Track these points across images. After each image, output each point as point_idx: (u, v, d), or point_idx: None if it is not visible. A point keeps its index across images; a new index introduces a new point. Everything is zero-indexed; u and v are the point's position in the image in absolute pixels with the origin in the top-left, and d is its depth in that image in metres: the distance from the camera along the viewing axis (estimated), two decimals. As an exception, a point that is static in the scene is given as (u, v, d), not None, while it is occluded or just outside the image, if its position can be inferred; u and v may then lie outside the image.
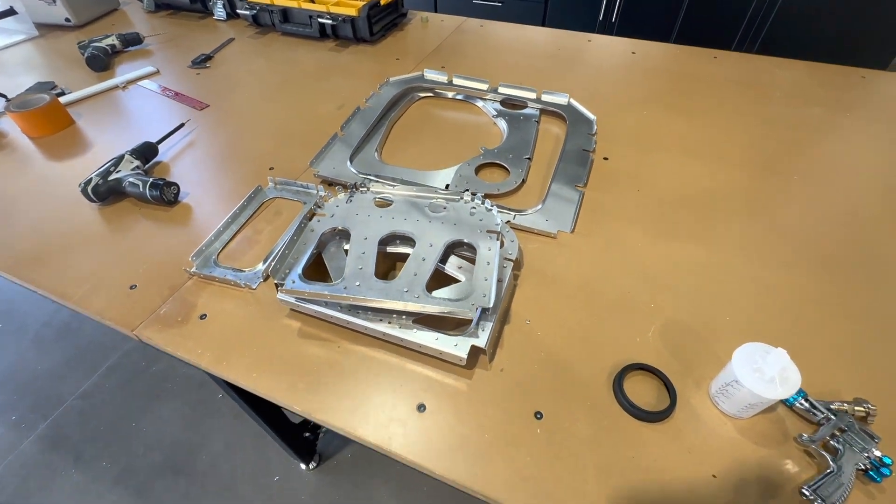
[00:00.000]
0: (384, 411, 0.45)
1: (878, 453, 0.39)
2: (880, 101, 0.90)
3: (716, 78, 0.97)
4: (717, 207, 0.67)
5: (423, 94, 0.93)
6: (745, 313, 0.53)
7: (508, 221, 0.63)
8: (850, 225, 0.64)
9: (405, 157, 0.77)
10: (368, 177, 0.70)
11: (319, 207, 0.62)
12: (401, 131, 0.84)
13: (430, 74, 0.94)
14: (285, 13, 1.13)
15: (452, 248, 0.57)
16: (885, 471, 0.38)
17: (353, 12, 1.06)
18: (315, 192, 0.69)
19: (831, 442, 0.40)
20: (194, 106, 0.91)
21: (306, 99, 0.92)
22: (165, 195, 0.67)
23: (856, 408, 0.43)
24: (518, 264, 0.58)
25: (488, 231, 0.57)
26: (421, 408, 0.46)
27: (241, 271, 0.58)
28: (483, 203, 0.61)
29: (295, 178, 0.72)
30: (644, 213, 0.66)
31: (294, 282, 0.52)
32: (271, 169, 0.75)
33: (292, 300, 0.52)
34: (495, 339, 0.50)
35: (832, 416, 0.42)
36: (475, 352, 0.48)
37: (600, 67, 1.02)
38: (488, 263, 0.53)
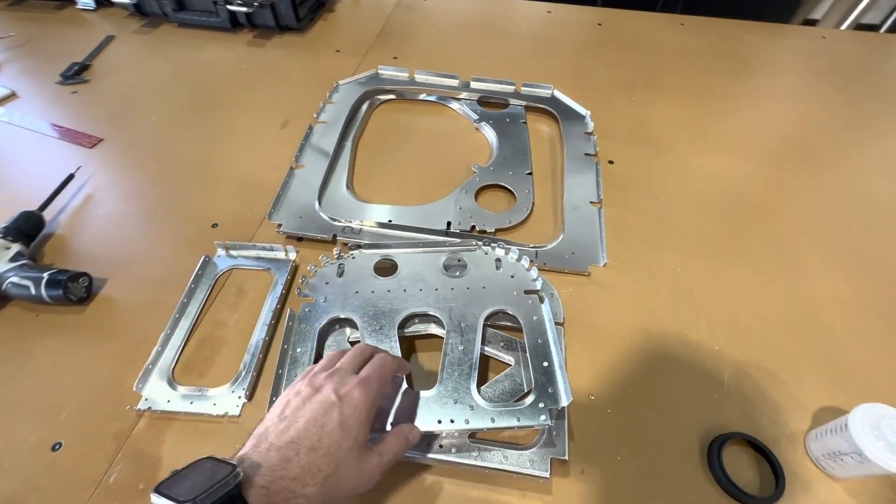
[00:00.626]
0: (460, 568, 0.36)
1: None
2: (853, 65, 0.89)
3: (691, 49, 0.91)
4: (744, 211, 0.61)
5: (383, 98, 0.77)
6: (809, 339, 0.49)
7: (532, 261, 0.53)
8: (883, 218, 0.62)
9: (385, 189, 0.63)
10: (349, 225, 0.56)
11: (305, 289, 0.48)
12: (369, 152, 0.69)
13: (387, 72, 0.78)
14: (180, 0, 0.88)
15: (487, 320, 0.46)
16: None
17: (271, -5, 0.85)
18: (284, 254, 0.54)
19: (953, 498, 0.37)
20: (82, 142, 0.68)
21: (236, 117, 0.73)
22: (72, 293, 0.48)
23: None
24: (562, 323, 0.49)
25: (526, 292, 0.47)
26: (504, 552, 0.36)
27: (214, 394, 0.43)
28: (507, 253, 0.50)
29: (251, 238, 0.56)
30: (671, 229, 0.59)
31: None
32: (215, 227, 0.57)
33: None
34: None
35: (941, 463, 0.38)
36: (552, 461, 0.39)
37: (571, 45, 0.92)
38: (540, 341, 0.43)
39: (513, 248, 0.51)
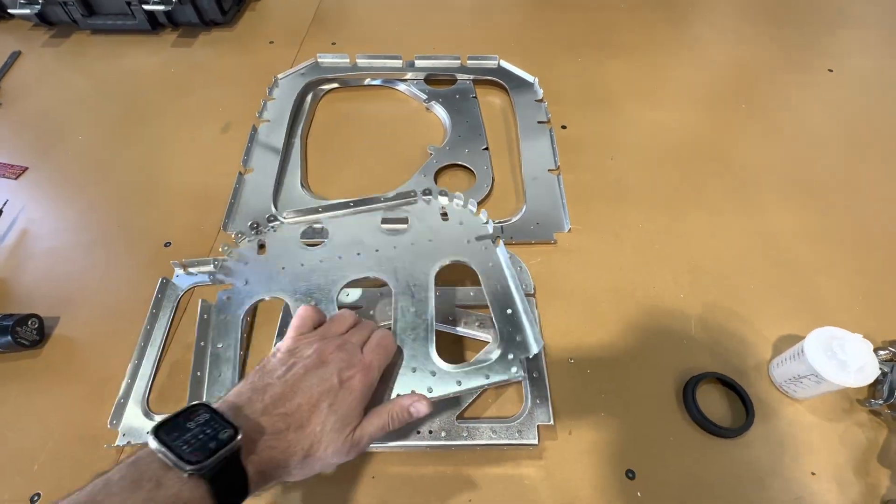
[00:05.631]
0: (465, 543, 0.37)
1: (937, 398, 0.41)
2: (781, 3, 0.92)
3: (630, 2, 0.91)
4: (695, 159, 0.63)
5: (327, 87, 0.74)
6: (761, 273, 0.52)
7: (499, 238, 0.54)
8: (821, 150, 0.65)
9: (342, 182, 0.62)
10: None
11: (219, 275, 0.44)
12: (320, 146, 0.66)
13: (327, 60, 0.75)
14: (89, 4, 0.81)
15: (439, 275, 0.43)
16: (948, 412, 0.40)
17: (190, -11, 0.79)
18: (246, 264, 0.52)
19: (898, 401, 0.41)
20: (5, 173, 0.63)
21: (173, 126, 0.69)
22: (22, 338, 0.45)
23: (892, 350, 0.44)
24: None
25: (477, 238, 0.45)
26: (505, 520, 0.38)
27: (194, 417, 0.42)
28: (452, 200, 0.48)
29: (209, 253, 0.54)
30: (629, 187, 0.60)
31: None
32: (167, 246, 0.55)
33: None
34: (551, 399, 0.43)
35: (886, 372, 0.42)
36: (540, 429, 0.40)
37: (513, 10, 0.90)
38: (500, 287, 0.41)
39: (457, 194, 0.48)
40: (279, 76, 0.73)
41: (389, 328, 0.38)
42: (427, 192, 0.48)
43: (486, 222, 0.46)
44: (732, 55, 0.80)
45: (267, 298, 0.42)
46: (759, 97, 0.72)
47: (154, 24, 0.84)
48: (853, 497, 0.38)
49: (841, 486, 0.39)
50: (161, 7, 0.79)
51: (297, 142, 0.65)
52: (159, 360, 0.46)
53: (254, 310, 0.43)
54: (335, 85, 0.74)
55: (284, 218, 0.46)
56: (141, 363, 0.45)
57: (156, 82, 0.76)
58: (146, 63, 0.79)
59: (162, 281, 0.50)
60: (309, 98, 0.72)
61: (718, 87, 0.74)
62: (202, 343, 0.41)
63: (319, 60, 0.75)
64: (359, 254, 0.43)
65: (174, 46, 0.82)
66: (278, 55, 0.80)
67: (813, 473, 0.39)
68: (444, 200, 0.47)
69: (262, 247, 0.45)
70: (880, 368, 0.42)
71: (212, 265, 0.51)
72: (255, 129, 0.65)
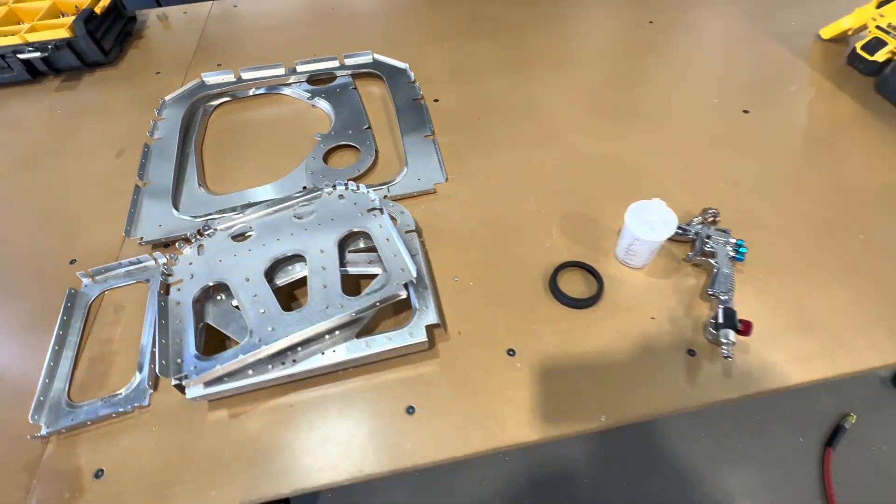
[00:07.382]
0: (380, 435, 0.42)
1: (733, 240, 0.52)
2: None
3: (484, -6, 1.03)
4: (543, 105, 0.74)
5: (216, 103, 0.79)
6: (612, 185, 0.62)
7: (386, 196, 0.61)
8: (653, 86, 0.78)
9: (238, 179, 0.66)
10: (210, 216, 0.59)
11: (169, 276, 0.50)
12: (216, 154, 0.71)
13: (211, 78, 0.80)
14: (-41, 62, 0.82)
15: (345, 246, 0.53)
16: (742, 249, 0.51)
17: (65, 33, 0.82)
18: (153, 262, 0.56)
19: (707, 248, 0.51)
20: None
21: (68, 163, 0.71)
22: (-70, 365, 0.47)
23: (705, 217, 0.55)
24: (418, 231, 0.57)
25: (369, 211, 0.54)
26: (410, 410, 0.44)
27: (117, 395, 0.45)
28: (347, 187, 0.57)
29: (115, 259, 0.57)
30: (496, 138, 0.70)
31: (195, 367, 0.42)
32: (73, 263, 0.57)
33: (207, 390, 0.43)
34: (440, 309, 0.49)
35: (698, 232, 0.53)
36: (430, 330, 0.47)
37: (377, 11, 1.00)
38: (388, 240, 0.51)
39: (351, 182, 0.58)
40: (166, 98, 0.77)
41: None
42: (328, 185, 0.58)
43: (374, 199, 0.55)
44: (580, 24, 0.93)
45: (211, 283, 0.49)
46: (597, 57, 0.85)
47: (34, 73, 0.85)
48: (683, 327, 0.48)
49: (674, 322, 0.48)
50: (38, 55, 0.81)
51: (191, 152, 0.69)
52: (76, 357, 0.49)
53: (204, 296, 0.49)
54: (224, 99, 0.80)
55: (217, 226, 0.54)
56: (58, 365, 0.48)
57: (43, 126, 0.77)
58: (30, 111, 0.81)
59: (70, 291, 0.53)
60: (199, 113, 0.76)
61: (549, 45, 0.87)
62: (163, 321, 0.46)
63: (204, 79, 0.80)
64: (278, 239, 0.52)
65: (59, 91, 0.84)
66: (166, 83, 0.84)
67: (652, 318, 0.49)
68: (340, 189, 0.57)
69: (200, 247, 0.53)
70: (693, 229, 0.53)
71: (120, 269, 0.55)
72: (147, 147, 0.69)
